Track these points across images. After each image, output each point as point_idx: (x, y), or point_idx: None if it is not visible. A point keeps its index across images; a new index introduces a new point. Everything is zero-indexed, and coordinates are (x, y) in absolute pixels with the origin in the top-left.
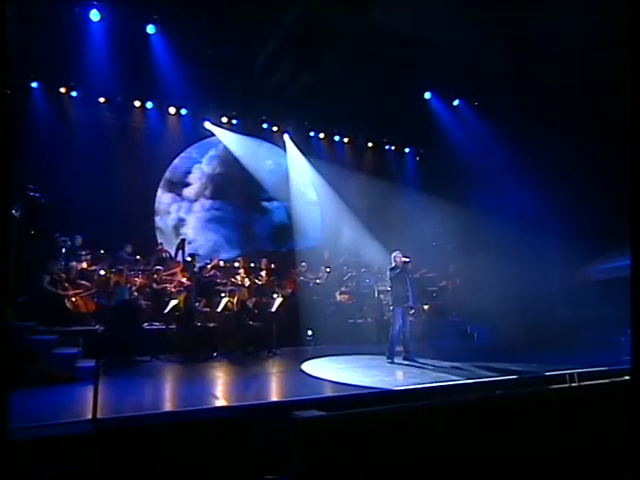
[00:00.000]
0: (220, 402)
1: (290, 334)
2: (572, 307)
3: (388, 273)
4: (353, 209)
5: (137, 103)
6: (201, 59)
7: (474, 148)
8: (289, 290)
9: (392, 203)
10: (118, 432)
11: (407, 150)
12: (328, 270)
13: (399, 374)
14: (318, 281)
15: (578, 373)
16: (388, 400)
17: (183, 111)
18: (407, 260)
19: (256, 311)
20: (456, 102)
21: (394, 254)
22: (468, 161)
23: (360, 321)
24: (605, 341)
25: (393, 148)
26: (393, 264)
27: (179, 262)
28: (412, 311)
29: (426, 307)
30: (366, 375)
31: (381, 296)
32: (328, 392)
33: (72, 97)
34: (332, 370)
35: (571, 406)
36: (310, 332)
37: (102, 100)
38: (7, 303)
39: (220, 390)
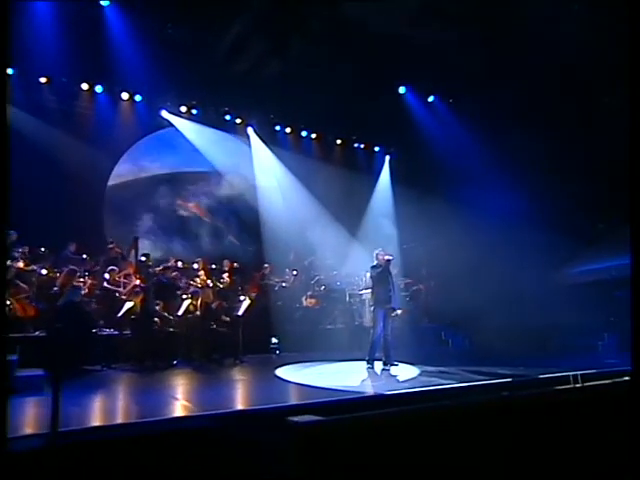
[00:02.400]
0: (194, 411)
1: (255, 341)
2: (546, 311)
3: (369, 272)
4: (321, 209)
5: (85, 86)
6: (160, 39)
7: (448, 146)
8: (252, 294)
9: (363, 204)
10: (84, 445)
11: (377, 149)
12: (294, 273)
13: (385, 379)
14: (284, 284)
15: (581, 374)
16: (383, 404)
17: (137, 97)
18: (390, 258)
19: (222, 315)
20: (431, 98)
21: (376, 251)
22: (442, 160)
23: (330, 327)
24: (582, 345)
25: (362, 146)
26: (375, 262)
27: (132, 262)
28: (394, 313)
29: (399, 312)
30: (351, 380)
31: (352, 300)
32: (315, 398)
33: (7, 76)
34: (311, 376)
35: (578, 406)
36: (275, 340)
37: (43, 80)
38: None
39: (191, 398)
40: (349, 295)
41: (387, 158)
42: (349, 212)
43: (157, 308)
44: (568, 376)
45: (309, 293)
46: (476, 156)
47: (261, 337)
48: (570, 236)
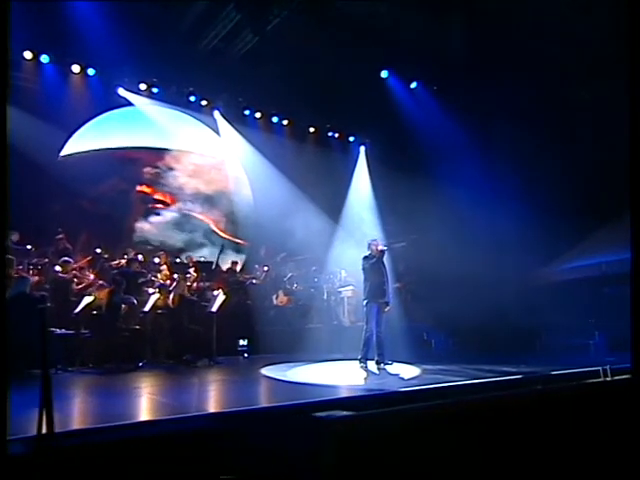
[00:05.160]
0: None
1: (222, 342)
2: (534, 310)
3: (361, 263)
4: (295, 203)
5: (28, 54)
6: (117, 5)
7: (431, 136)
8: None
9: (340, 197)
10: (81, 449)
11: (351, 139)
12: (265, 269)
13: (389, 377)
14: (254, 281)
15: (610, 368)
16: (403, 401)
17: (90, 71)
18: (384, 248)
19: (196, 310)
20: (413, 85)
21: (369, 241)
22: (424, 151)
23: (308, 327)
24: (572, 344)
25: (337, 136)
26: (368, 252)
27: (85, 255)
28: (388, 308)
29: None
30: (353, 379)
31: (330, 298)
32: (325, 396)
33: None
34: (306, 376)
35: (611, 399)
36: (244, 341)
37: None
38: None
39: (183, 399)
40: (327, 293)
41: (362, 149)
42: (325, 206)
43: (127, 303)
44: (597, 370)
45: (280, 291)
46: (460, 148)
47: (228, 338)
48: (559, 232)
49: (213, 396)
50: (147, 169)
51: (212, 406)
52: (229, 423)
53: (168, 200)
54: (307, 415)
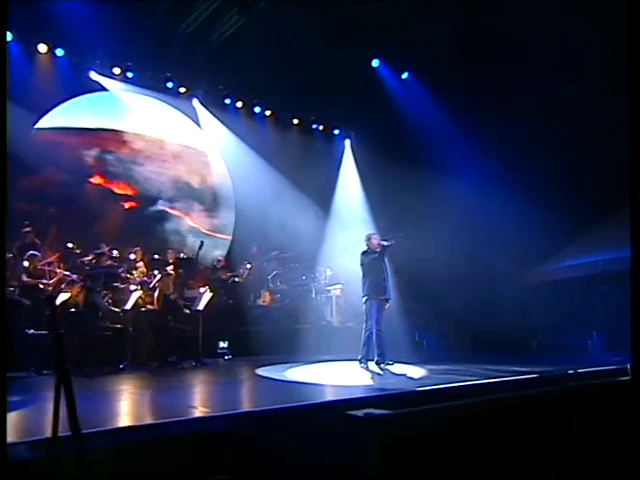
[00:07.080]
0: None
1: (208, 342)
2: (526, 310)
3: (360, 258)
4: (278, 195)
5: None
6: None
7: (422, 129)
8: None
9: (327, 193)
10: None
11: (336, 132)
12: (249, 266)
13: (398, 377)
14: (237, 279)
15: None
16: (425, 400)
17: (59, 52)
18: (385, 243)
19: (182, 309)
20: (405, 75)
21: (368, 235)
22: (415, 145)
23: (294, 327)
24: (570, 345)
25: (321, 128)
26: (367, 247)
27: (54, 249)
28: (388, 305)
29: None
30: (363, 379)
31: (319, 296)
32: (335, 396)
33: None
34: (309, 375)
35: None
36: (224, 343)
37: None
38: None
39: (170, 400)
40: (316, 291)
41: (347, 142)
42: (311, 201)
43: (105, 300)
44: (624, 367)
45: (264, 290)
46: (453, 142)
47: (211, 339)
48: (555, 229)
49: (214, 397)
50: (121, 158)
51: (218, 408)
52: (243, 424)
53: (130, 192)
54: (327, 414)
